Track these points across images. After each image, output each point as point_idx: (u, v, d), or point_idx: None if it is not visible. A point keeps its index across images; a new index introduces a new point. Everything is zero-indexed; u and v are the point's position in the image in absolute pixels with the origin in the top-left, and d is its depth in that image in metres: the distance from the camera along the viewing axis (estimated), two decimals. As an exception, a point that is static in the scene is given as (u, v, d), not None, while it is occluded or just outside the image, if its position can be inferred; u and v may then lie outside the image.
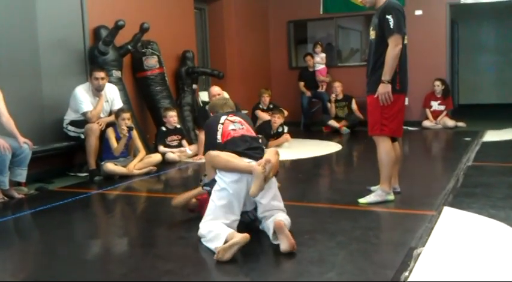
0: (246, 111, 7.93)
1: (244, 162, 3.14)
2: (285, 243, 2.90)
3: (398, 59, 3.83)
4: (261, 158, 3.18)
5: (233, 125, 3.43)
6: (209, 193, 3.26)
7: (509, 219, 3.39)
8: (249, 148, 3.27)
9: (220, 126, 3.43)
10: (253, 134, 3.49)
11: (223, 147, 3.29)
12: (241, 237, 2.84)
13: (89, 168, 5.50)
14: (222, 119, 3.50)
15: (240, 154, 3.20)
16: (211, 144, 3.43)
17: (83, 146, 5.51)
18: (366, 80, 4.04)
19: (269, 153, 3.28)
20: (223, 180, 3.13)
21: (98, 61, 6.16)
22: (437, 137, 8.55)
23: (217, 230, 2.98)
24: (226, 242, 2.85)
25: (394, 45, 3.78)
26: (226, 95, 7.20)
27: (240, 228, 3.08)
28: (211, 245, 2.96)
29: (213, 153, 3.22)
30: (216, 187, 3.16)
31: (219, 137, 3.38)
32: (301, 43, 11.14)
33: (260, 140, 6.76)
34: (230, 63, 9.32)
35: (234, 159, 3.15)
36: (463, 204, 3.83)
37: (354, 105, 9.04)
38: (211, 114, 3.81)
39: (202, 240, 3.09)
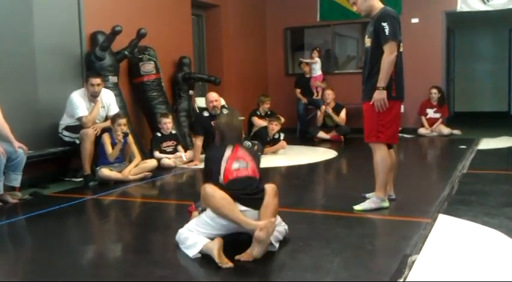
0: (242, 118, 7.93)
1: (238, 212, 3.01)
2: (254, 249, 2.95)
3: (394, 66, 3.84)
4: (258, 203, 3.09)
5: (237, 164, 3.24)
6: (201, 211, 3.24)
7: (503, 227, 3.40)
8: (248, 193, 3.13)
9: (223, 164, 3.23)
10: (257, 173, 3.30)
11: (223, 186, 3.13)
12: (217, 241, 2.94)
13: (83, 174, 5.49)
14: (226, 154, 3.28)
15: (235, 199, 3.06)
16: (209, 174, 3.29)
17: (78, 151, 5.50)
18: (362, 87, 4.05)
19: (268, 197, 3.12)
20: (211, 218, 3.07)
21: (95, 66, 6.16)
22: (432, 144, 8.57)
23: (194, 239, 3.04)
24: (201, 252, 2.95)
25: (390, 52, 3.79)
26: (223, 101, 7.21)
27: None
28: (189, 252, 3.01)
29: (209, 191, 3.07)
30: (204, 215, 3.13)
31: (221, 177, 3.20)
32: (298, 50, 11.16)
33: (256, 147, 6.72)
34: (227, 69, 9.33)
35: (228, 205, 3.02)
36: (458, 212, 3.83)
37: (342, 114, 8.78)
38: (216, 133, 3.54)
39: (180, 246, 3.11)
